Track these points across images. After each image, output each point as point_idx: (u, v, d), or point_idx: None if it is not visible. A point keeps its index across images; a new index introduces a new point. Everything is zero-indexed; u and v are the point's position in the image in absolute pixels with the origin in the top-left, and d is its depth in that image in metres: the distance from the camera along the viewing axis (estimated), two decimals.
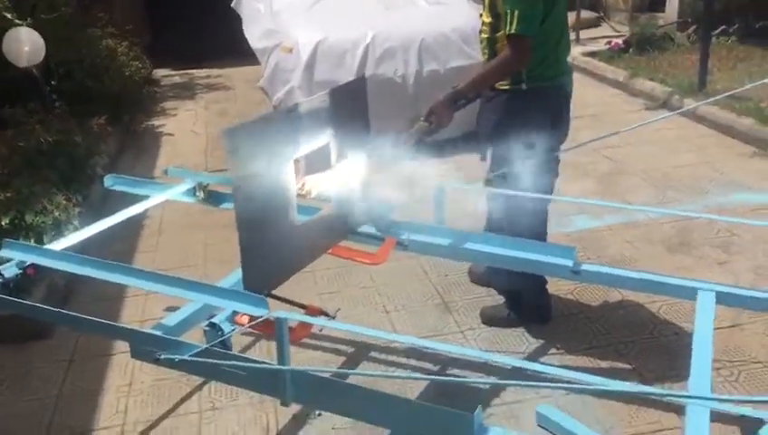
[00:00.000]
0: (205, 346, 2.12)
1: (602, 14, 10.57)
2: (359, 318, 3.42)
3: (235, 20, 7.70)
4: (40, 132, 4.41)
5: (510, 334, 3.23)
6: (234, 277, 2.52)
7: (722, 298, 2.39)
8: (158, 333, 2.26)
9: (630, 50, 8.00)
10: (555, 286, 3.40)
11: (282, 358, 2.04)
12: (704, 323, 2.24)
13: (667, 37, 8.21)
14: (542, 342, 3.17)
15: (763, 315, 3.09)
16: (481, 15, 2.98)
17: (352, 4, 5.92)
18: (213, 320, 2.18)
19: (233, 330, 2.17)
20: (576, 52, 7.88)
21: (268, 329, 2.14)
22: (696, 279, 2.51)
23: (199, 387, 3.03)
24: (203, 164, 5.72)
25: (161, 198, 3.25)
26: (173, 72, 9.10)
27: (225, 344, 2.17)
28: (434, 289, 3.66)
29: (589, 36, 9.16)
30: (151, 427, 2.84)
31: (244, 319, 2.21)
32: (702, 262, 3.75)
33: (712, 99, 4.67)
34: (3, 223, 3.69)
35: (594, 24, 10.35)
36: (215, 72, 9.08)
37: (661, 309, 3.33)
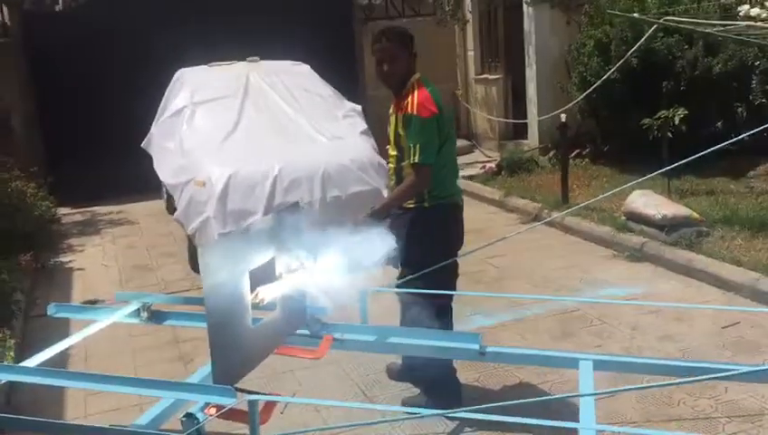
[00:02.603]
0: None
1: (474, 142, 11.81)
2: (293, 420, 3.78)
3: (133, 155, 8.17)
4: None
5: (429, 420, 3.69)
6: (195, 377, 2.90)
7: (598, 365, 2.98)
8: (139, 430, 2.59)
9: (502, 172, 9.05)
10: (463, 375, 3.93)
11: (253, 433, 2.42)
12: (586, 387, 2.81)
13: (532, 161, 9.36)
14: (457, 423, 3.66)
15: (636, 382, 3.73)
16: (387, 149, 3.64)
17: (257, 140, 6.50)
18: (190, 411, 2.53)
19: (206, 419, 2.53)
20: None
21: (236, 416, 2.53)
22: (577, 351, 3.12)
23: None
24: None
25: (108, 320, 3.56)
26: (73, 211, 9.30)
27: (200, 433, 2.52)
28: (357, 388, 4.09)
29: (464, 162, 10.22)
30: None
31: (212, 410, 2.59)
32: (581, 346, 4.40)
33: (574, 208, 5.52)
34: None
35: (468, 150, 11.53)
36: (116, 208, 9.37)
37: (552, 387, 3.92)
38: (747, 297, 4.95)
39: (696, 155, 4.01)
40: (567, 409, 3.62)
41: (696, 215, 6.02)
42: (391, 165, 3.60)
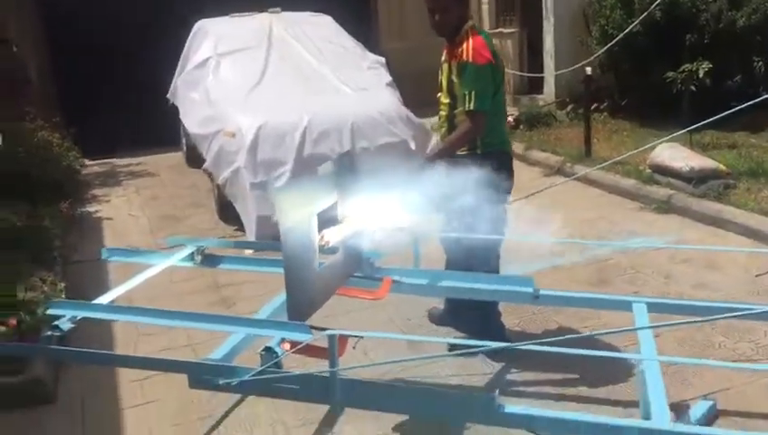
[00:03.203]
0: (262, 367, 2.57)
1: None
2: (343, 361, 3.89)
3: (150, 109, 8.22)
4: (10, 216, 4.67)
5: (475, 361, 3.80)
6: (263, 313, 2.99)
7: (651, 307, 3.08)
8: (217, 362, 2.68)
9: (521, 126, 9.07)
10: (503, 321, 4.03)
11: (333, 367, 2.52)
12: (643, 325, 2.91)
13: (550, 115, 9.37)
14: (502, 364, 3.76)
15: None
16: (438, 97, 3.68)
17: (285, 91, 6.55)
18: (269, 345, 2.62)
19: (285, 353, 2.62)
20: None
21: (311, 351, 2.62)
22: (629, 295, 3.21)
23: (215, 428, 3.41)
24: (152, 243, 6.05)
25: (164, 264, 3.62)
26: (92, 162, 9.31)
27: (278, 365, 2.62)
28: (401, 332, 4.19)
29: None
30: None
31: (287, 345, 2.68)
32: (619, 292, 4.50)
33: (609, 161, 5.56)
34: None
35: None
36: (134, 160, 9.40)
37: (593, 331, 4.01)
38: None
39: (729, 111, 3.89)
40: (612, 350, 3.75)
41: (722, 167, 6.08)
42: (443, 113, 3.64)
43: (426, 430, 3.25)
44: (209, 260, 3.74)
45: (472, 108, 3.40)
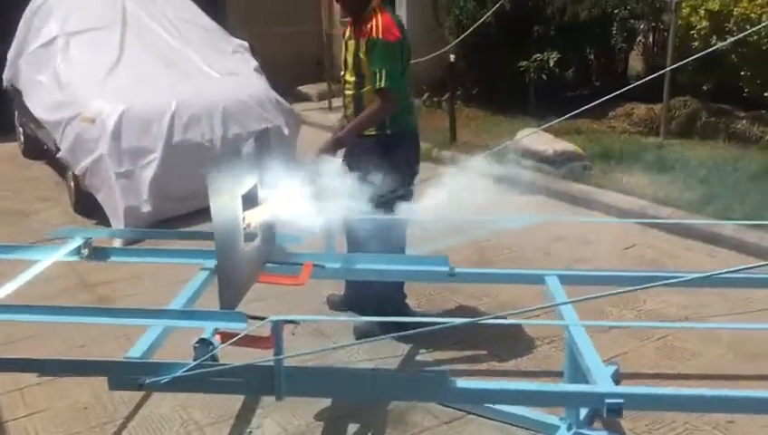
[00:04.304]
0: (198, 361, 2.37)
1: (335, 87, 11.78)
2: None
3: None
4: None
5: (384, 344, 3.76)
6: (176, 305, 2.76)
7: (564, 279, 3.19)
8: (139, 359, 2.44)
9: None
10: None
11: (279, 355, 2.38)
12: (560, 296, 3.00)
13: None
14: (411, 345, 3.76)
15: None
16: (342, 76, 3.59)
17: (147, 74, 6.15)
18: (203, 337, 2.43)
19: (220, 345, 2.44)
20: (335, 119, 8.83)
21: (248, 342, 2.46)
22: (542, 269, 3.32)
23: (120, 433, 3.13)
24: None
25: (51, 259, 3.24)
26: None
27: (214, 358, 2.43)
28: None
29: (338, 105, 10.21)
30: None
31: (218, 337, 2.50)
32: None
33: (500, 146, 5.66)
34: None
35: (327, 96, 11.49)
36: None
37: (488, 309, 4.13)
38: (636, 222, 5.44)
39: (603, 99, 4.04)
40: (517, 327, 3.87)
41: (580, 150, 6.48)
42: (349, 92, 3.56)
43: (346, 416, 3.18)
44: (98, 253, 3.41)
45: (383, 86, 3.35)
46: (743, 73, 7.34)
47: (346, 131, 3.45)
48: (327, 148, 3.39)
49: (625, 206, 5.56)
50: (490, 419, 3.08)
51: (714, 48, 6.17)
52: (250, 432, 3.12)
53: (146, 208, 5.53)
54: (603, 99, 3.98)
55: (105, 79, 5.99)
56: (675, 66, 4.93)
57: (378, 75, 3.35)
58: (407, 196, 3.56)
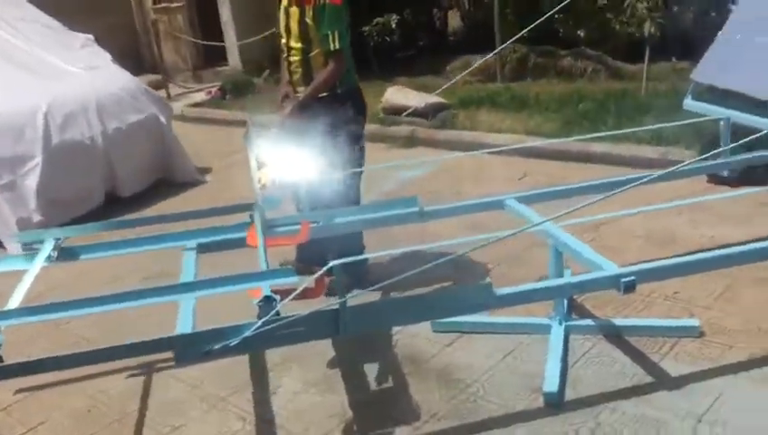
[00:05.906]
0: (265, 319, 2.46)
1: (165, 77, 11.38)
2: None
3: None
4: None
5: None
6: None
7: (522, 200, 3.58)
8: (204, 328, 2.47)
9: (227, 96, 9.09)
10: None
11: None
12: (533, 217, 3.39)
13: (249, 81, 9.54)
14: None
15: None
16: (284, 43, 3.70)
17: (4, 81, 5.71)
18: (266, 294, 2.51)
19: (283, 300, 2.54)
20: (179, 107, 8.71)
21: (305, 294, 2.59)
22: (499, 194, 3.68)
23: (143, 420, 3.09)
24: None
25: (35, 268, 3.04)
26: None
27: (278, 313, 2.53)
28: None
29: (176, 93, 10.01)
30: None
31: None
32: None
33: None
34: None
35: (161, 85, 11.11)
36: None
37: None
38: (512, 155, 6.00)
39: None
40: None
41: (445, 101, 6.96)
42: (295, 58, 3.68)
43: (358, 360, 3.37)
44: (68, 253, 3.28)
45: (337, 47, 3.51)
46: (557, 17, 8.21)
47: (307, 95, 3.58)
48: (293, 113, 3.52)
49: (501, 142, 6.11)
50: (486, 332, 3.44)
51: None
52: (275, 392, 3.22)
53: (37, 218, 5.21)
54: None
55: None
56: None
57: (330, 37, 3.51)
58: (360, 149, 3.78)
